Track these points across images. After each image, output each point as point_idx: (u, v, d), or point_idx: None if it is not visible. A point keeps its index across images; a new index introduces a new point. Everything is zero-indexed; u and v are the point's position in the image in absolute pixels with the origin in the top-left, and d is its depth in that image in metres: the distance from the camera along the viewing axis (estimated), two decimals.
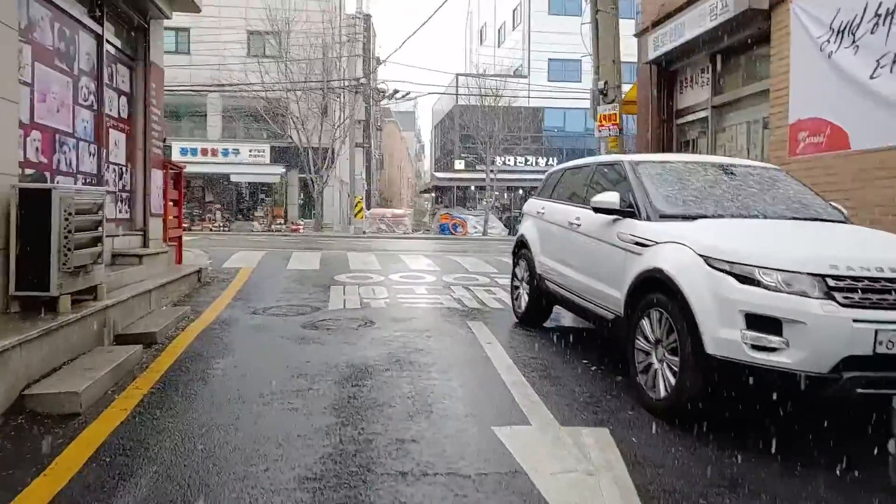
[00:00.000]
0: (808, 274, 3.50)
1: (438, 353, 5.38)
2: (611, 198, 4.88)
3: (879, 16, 6.16)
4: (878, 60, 6.18)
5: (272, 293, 8.11)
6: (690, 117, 10.21)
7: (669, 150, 10.60)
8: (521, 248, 7.06)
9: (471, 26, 52.47)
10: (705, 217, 4.57)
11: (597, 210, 5.00)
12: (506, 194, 38.19)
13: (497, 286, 9.21)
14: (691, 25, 9.03)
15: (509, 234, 30.11)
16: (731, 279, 3.69)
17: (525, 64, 38.90)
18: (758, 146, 8.58)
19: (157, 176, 7.95)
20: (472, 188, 38.35)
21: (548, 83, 36.31)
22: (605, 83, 10.22)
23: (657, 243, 4.36)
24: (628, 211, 4.81)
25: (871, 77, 6.24)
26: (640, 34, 11.12)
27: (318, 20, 27.81)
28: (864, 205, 6.01)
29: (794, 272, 3.52)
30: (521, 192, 37.43)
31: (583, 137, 39.07)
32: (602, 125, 10.22)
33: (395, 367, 4.83)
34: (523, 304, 6.85)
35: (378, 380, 4.51)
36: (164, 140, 8.50)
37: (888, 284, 3.46)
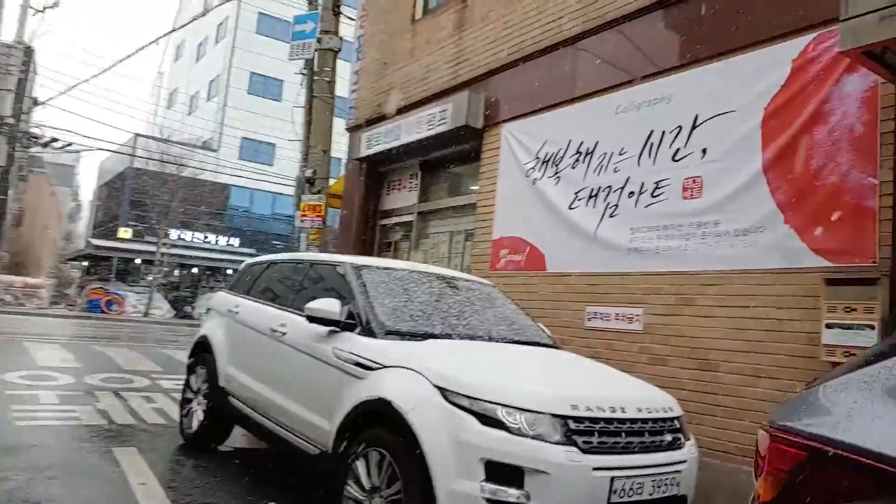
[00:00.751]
0: (551, 415, 3.09)
1: None
2: (330, 306, 4.03)
3: (580, 153, 6.59)
4: (576, 193, 6.54)
5: None
6: (395, 220, 10.03)
7: (371, 250, 10.21)
8: (201, 352, 5.67)
9: (160, 87, 48.73)
10: (434, 336, 4.00)
11: (311, 319, 4.08)
12: (177, 271, 34.55)
13: (160, 391, 7.43)
14: (408, 130, 8.93)
15: (176, 315, 26.90)
16: (473, 419, 3.10)
17: (216, 137, 36.94)
18: (459, 256, 8.61)
19: None
20: (138, 261, 33.86)
21: (238, 160, 34.80)
22: (314, 172, 9.51)
23: (384, 366, 3.62)
24: (349, 323, 3.99)
25: (570, 207, 6.57)
26: (353, 129, 10.82)
27: None
28: (556, 324, 6.12)
29: (537, 412, 3.08)
30: (195, 270, 34.32)
31: (269, 221, 38.05)
32: (305, 215, 9.39)
33: None
34: (195, 423, 5.43)
35: None
36: None
37: (620, 426, 3.23)
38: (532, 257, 6.96)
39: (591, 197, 6.37)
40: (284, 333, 4.56)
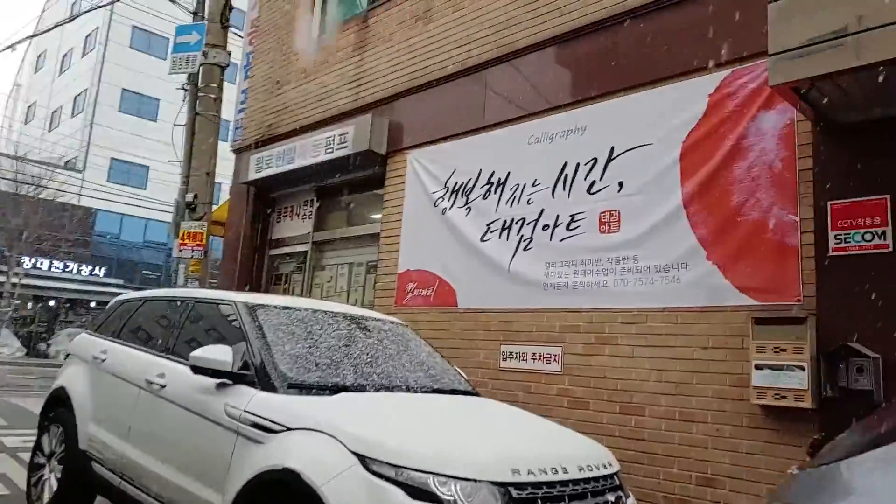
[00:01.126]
0: (490, 483, 2.66)
1: None
2: (220, 354, 3.42)
3: (492, 184, 6.31)
4: (488, 225, 6.24)
5: None
6: (287, 250, 9.31)
7: (259, 283, 9.42)
8: (57, 407, 4.80)
9: (16, 99, 44.43)
10: (346, 389, 3.47)
11: (197, 369, 3.42)
12: (31, 304, 31.06)
13: (3, 451, 6.26)
14: (303, 153, 8.32)
15: (28, 355, 24.06)
16: (399, 492, 2.63)
17: (81, 157, 33.98)
18: (360, 290, 8.06)
19: None
20: None
21: (106, 183, 32.11)
22: (196, 196, 8.65)
23: (288, 429, 3.06)
24: (243, 375, 3.39)
25: (482, 240, 6.26)
26: (240, 151, 10.04)
27: None
28: (469, 364, 5.77)
29: (475, 480, 2.64)
30: (52, 302, 31.02)
31: (140, 249, 35.38)
32: (185, 244, 8.49)
33: None
34: (48, 494, 4.58)
35: None
36: None
37: (563, 489, 2.85)
38: (442, 292, 6.55)
39: (504, 229, 6.08)
40: (163, 386, 3.87)
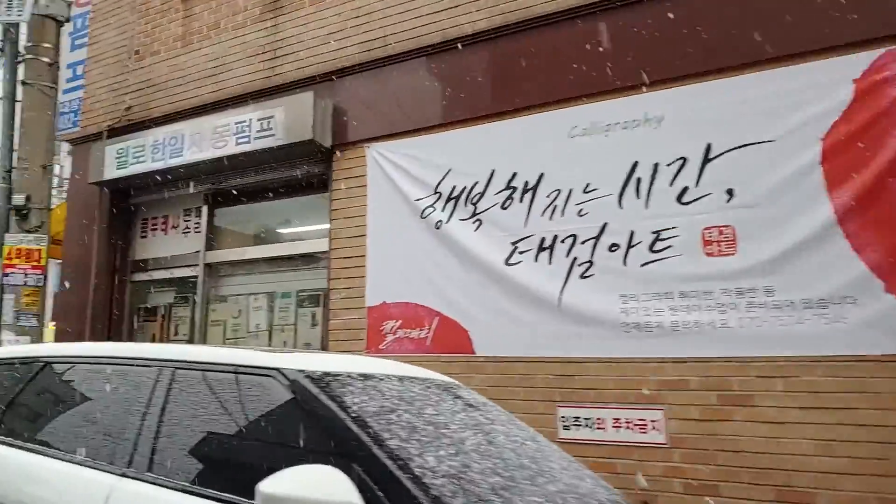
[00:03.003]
0: None
1: None
2: (333, 488, 1.69)
3: (513, 188, 4.76)
4: (514, 244, 4.68)
5: None
6: (162, 274, 6.80)
7: (121, 320, 6.81)
8: None
9: None
10: None
11: None
12: None
13: None
14: (199, 143, 6.02)
15: None
16: None
17: None
18: (290, 329, 5.95)
19: None
20: None
21: None
22: (28, 199, 5.96)
23: None
24: None
25: (508, 263, 4.67)
26: (81, 140, 7.31)
27: None
28: None
29: None
30: None
31: None
32: (12, 265, 5.77)
33: None
34: None
35: None
36: None
37: None
38: (445, 334, 4.82)
39: (542, 249, 4.55)
40: None
